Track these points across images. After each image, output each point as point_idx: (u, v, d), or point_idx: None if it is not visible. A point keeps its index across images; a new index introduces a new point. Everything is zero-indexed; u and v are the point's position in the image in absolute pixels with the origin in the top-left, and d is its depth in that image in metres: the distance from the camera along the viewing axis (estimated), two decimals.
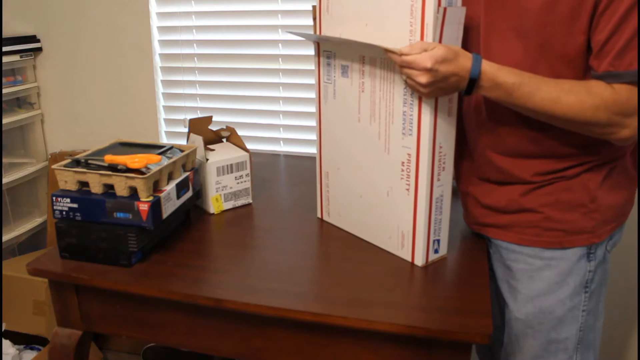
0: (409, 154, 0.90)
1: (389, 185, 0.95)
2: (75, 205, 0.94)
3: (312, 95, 1.65)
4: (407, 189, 0.92)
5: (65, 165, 0.97)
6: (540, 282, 0.93)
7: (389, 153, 0.94)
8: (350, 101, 0.99)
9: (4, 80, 1.74)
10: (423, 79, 0.79)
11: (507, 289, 0.98)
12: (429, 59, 0.78)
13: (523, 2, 0.81)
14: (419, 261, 0.94)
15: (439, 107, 0.85)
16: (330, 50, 1.00)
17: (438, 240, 0.95)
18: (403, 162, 0.91)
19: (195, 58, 1.73)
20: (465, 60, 0.80)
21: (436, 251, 0.96)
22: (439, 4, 0.79)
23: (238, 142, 1.26)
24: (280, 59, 1.66)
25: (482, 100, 0.91)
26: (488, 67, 0.81)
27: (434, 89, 0.81)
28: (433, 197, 0.91)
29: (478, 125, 0.94)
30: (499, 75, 0.81)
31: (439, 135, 0.87)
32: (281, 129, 1.72)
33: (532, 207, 0.92)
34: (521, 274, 0.95)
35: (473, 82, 0.81)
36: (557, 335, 0.94)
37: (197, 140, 1.15)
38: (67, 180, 0.96)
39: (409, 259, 0.96)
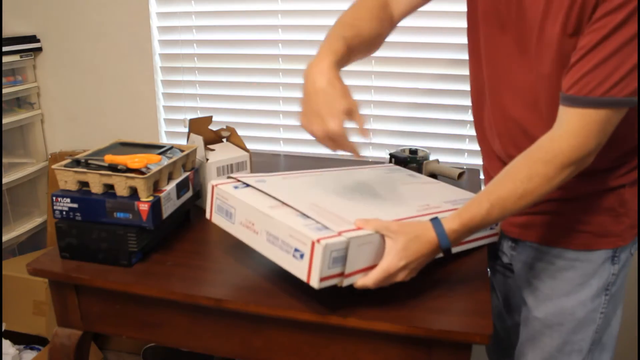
0: None
1: None
2: (75, 205, 0.94)
3: None
4: None
5: (65, 165, 0.97)
6: (563, 282, 0.92)
7: None
8: None
9: (4, 80, 1.74)
10: (399, 277, 0.77)
11: (527, 287, 0.97)
12: (395, 260, 0.75)
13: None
14: None
15: None
16: None
17: None
18: None
19: (195, 58, 1.73)
20: (427, 232, 0.77)
21: None
22: None
23: (238, 142, 1.26)
24: (280, 59, 1.66)
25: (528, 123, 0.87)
26: (451, 224, 0.77)
27: (412, 272, 0.79)
28: None
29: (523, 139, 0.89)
30: (465, 221, 0.77)
31: None
32: (281, 129, 1.72)
33: (560, 209, 0.91)
34: (544, 273, 0.94)
35: (449, 251, 0.78)
36: (574, 336, 0.93)
37: (197, 140, 1.15)
38: (67, 180, 0.96)
39: None
